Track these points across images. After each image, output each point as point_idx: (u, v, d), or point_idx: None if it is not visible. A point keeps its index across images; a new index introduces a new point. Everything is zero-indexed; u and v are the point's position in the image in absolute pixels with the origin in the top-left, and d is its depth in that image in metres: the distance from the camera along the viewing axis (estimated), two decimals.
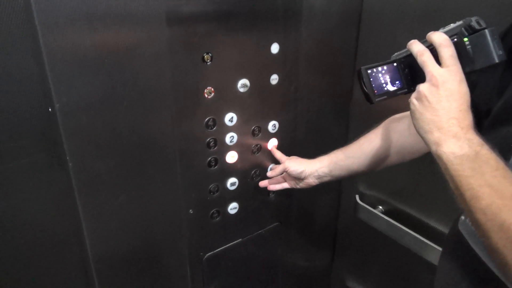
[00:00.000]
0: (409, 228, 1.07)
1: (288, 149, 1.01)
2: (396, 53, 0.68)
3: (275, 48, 0.88)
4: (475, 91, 0.61)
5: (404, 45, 0.62)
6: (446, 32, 0.58)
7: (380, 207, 1.18)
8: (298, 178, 0.93)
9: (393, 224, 1.10)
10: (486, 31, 0.57)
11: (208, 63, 0.80)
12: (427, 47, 0.59)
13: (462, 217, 0.65)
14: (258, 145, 0.97)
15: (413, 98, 0.59)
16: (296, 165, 0.92)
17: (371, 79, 0.63)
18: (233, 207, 0.99)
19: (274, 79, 0.91)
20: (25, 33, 0.61)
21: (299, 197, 1.13)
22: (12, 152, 0.67)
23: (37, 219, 0.73)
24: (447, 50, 0.56)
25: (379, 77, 0.64)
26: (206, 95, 0.83)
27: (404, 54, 0.65)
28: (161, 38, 0.72)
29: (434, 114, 0.55)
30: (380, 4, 1.00)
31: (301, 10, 0.90)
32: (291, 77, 0.95)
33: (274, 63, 0.90)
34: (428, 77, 0.56)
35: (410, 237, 1.06)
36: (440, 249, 0.96)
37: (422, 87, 0.57)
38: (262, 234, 1.10)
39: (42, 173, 0.71)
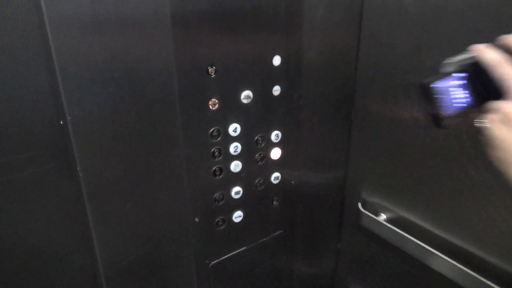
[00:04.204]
0: (412, 236, 1.07)
1: (291, 157, 1.04)
2: (453, 59, 0.56)
3: (277, 60, 0.91)
4: None
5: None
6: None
7: (383, 214, 1.18)
8: None
9: (396, 232, 1.10)
10: None
11: (212, 76, 0.83)
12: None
13: None
14: (262, 154, 0.99)
15: (491, 121, 0.46)
16: None
17: (439, 97, 0.51)
18: (237, 216, 1.01)
19: (277, 90, 0.94)
20: (38, 47, 0.65)
21: (303, 205, 1.15)
22: (23, 162, 0.70)
23: (47, 227, 0.76)
24: None
25: (447, 93, 0.51)
26: (210, 107, 0.85)
27: (469, 62, 0.54)
28: (168, 52, 0.75)
29: None
30: (380, 11, 1.01)
31: (302, 22, 0.93)
32: (293, 88, 0.98)
33: (276, 75, 0.93)
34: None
35: (414, 245, 1.06)
36: (444, 256, 0.97)
37: (507, 106, 0.44)
38: (266, 242, 1.12)
39: (52, 182, 0.74)
